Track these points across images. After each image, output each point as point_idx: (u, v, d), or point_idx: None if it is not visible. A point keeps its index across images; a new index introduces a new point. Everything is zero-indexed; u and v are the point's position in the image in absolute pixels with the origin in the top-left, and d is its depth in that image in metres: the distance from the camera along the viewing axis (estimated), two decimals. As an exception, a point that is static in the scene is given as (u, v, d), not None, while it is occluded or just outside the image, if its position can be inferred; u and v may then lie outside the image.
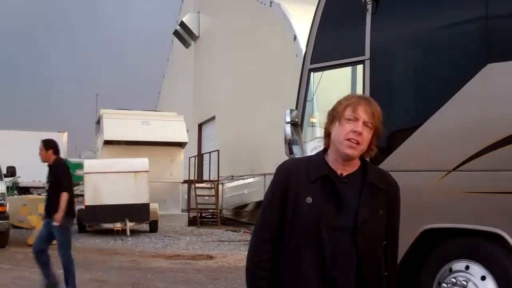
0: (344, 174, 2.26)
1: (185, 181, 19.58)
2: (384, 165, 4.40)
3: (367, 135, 2.23)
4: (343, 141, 2.21)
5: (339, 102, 2.28)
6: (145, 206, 14.79)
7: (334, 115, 2.26)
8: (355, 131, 2.20)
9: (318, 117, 5.41)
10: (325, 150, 2.34)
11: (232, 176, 21.35)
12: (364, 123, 2.22)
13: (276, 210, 2.28)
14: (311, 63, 5.35)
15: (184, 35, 30.27)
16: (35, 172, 27.84)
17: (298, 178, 2.26)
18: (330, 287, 2.17)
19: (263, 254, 2.28)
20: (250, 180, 19.10)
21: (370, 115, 2.23)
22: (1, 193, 11.88)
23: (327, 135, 2.31)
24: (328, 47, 5.34)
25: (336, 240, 2.18)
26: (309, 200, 2.21)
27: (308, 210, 2.20)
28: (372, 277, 2.22)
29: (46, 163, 7.04)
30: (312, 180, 2.24)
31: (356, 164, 2.29)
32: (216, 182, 19.43)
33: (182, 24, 29.79)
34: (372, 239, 2.23)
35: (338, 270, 2.18)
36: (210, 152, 23.10)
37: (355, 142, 2.20)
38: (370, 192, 2.25)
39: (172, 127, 18.45)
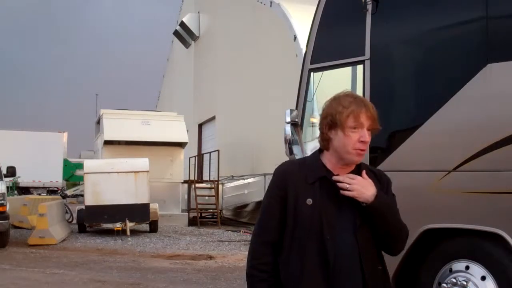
0: (341, 175, 2.28)
1: (185, 181, 19.57)
2: (384, 165, 4.40)
3: (370, 139, 2.26)
4: (352, 151, 2.23)
5: (337, 110, 2.24)
6: (145, 206, 14.76)
7: (335, 123, 2.25)
8: (362, 141, 2.22)
9: (318, 117, 5.40)
10: (320, 150, 2.35)
11: (232, 176, 21.33)
12: (367, 129, 2.24)
13: (275, 213, 2.29)
14: (311, 63, 5.35)
15: (184, 35, 30.25)
16: (35, 172, 27.95)
17: (296, 180, 2.27)
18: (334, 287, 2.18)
19: (263, 257, 2.29)
20: (250, 180, 19.08)
21: (372, 121, 2.25)
22: (1, 193, 11.87)
23: (326, 139, 2.30)
24: (328, 47, 5.33)
25: (338, 239, 2.20)
26: (309, 201, 2.23)
27: (309, 211, 2.22)
28: (372, 275, 2.23)
29: None
30: (310, 182, 2.26)
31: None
32: (216, 182, 19.41)
33: (182, 24, 29.78)
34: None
35: (341, 270, 2.19)
36: (210, 152, 23.07)
37: (363, 150, 2.24)
38: None
39: (172, 127, 18.43)
